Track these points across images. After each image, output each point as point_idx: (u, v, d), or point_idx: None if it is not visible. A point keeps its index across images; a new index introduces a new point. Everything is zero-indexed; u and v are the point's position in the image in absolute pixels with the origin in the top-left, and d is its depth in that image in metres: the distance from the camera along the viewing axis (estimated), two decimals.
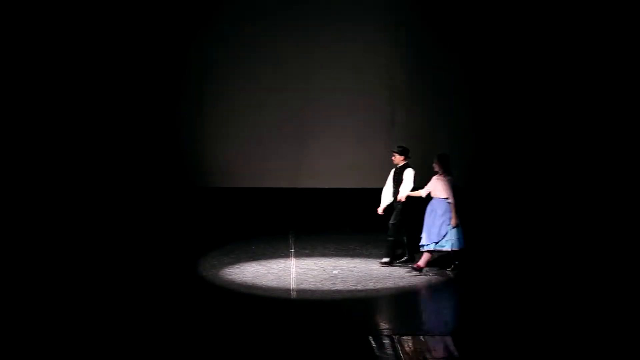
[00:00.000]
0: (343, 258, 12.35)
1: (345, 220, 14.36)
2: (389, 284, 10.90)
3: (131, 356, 8.16)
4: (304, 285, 10.77)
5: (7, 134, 13.97)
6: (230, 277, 11.24)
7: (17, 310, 9.53)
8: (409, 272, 11.36)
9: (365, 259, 12.09)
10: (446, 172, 11.25)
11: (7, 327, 8.91)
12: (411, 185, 11.54)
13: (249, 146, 14.66)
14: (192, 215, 14.38)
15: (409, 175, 11.58)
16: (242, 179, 14.69)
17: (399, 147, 11.80)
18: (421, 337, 8.57)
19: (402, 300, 10.33)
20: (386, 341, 8.46)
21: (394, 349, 8.25)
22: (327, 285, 10.79)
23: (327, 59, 14.52)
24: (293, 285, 10.75)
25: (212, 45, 14.44)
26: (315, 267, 11.73)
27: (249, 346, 8.42)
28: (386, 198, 11.81)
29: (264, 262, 12.01)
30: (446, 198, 11.16)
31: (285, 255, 12.44)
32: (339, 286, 10.78)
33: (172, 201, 14.48)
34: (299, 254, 12.42)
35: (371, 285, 10.84)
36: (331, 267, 11.67)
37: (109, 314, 9.41)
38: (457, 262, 11.32)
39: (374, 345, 8.34)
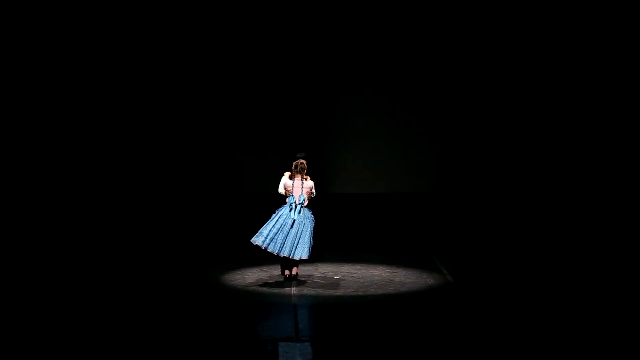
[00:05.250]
0: (344, 263, 12.35)
1: (346, 223, 14.38)
2: (390, 289, 10.91)
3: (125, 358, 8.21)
4: (304, 291, 10.78)
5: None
6: (232, 282, 11.26)
7: (34, 310, 9.63)
8: (407, 277, 11.41)
9: (365, 265, 12.09)
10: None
11: (20, 327, 8.99)
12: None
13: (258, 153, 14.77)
14: (208, 219, 14.45)
15: (312, 183, 11.31)
16: (250, 184, 14.76)
17: (304, 154, 11.37)
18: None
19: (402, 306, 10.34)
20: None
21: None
22: (328, 291, 10.80)
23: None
24: (294, 291, 10.76)
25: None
26: (316, 273, 11.73)
27: (246, 348, 8.44)
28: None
29: (265, 268, 12.02)
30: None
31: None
32: (340, 292, 10.79)
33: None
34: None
35: (372, 290, 10.85)
36: (332, 273, 11.67)
37: (105, 315, 9.44)
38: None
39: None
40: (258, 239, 10.99)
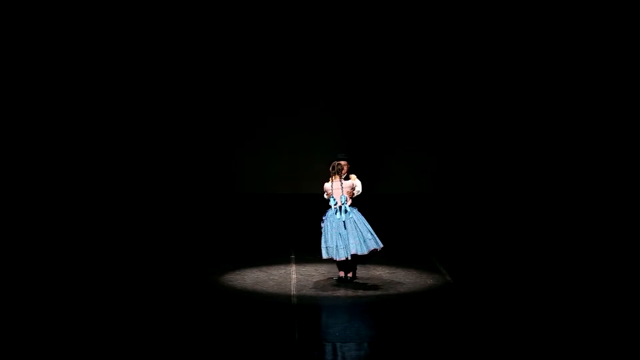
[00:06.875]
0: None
1: None
2: (390, 290, 10.90)
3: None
4: (304, 292, 10.76)
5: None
6: (231, 283, 11.24)
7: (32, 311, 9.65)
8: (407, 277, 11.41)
9: (366, 265, 12.06)
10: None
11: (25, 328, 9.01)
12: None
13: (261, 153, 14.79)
14: (207, 220, 14.42)
15: (358, 182, 11.36)
16: (249, 185, 14.76)
17: (344, 155, 11.38)
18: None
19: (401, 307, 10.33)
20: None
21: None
22: (328, 291, 10.79)
23: None
24: (293, 292, 10.75)
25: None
26: (316, 274, 11.72)
27: (246, 349, 8.42)
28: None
29: (264, 268, 12.01)
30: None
31: (286, 261, 12.44)
32: (340, 292, 10.77)
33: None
34: (299, 260, 12.41)
35: (372, 290, 10.84)
36: (332, 274, 11.65)
37: (105, 316, 9.44)
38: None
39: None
40: (324, 253, 11.08)
